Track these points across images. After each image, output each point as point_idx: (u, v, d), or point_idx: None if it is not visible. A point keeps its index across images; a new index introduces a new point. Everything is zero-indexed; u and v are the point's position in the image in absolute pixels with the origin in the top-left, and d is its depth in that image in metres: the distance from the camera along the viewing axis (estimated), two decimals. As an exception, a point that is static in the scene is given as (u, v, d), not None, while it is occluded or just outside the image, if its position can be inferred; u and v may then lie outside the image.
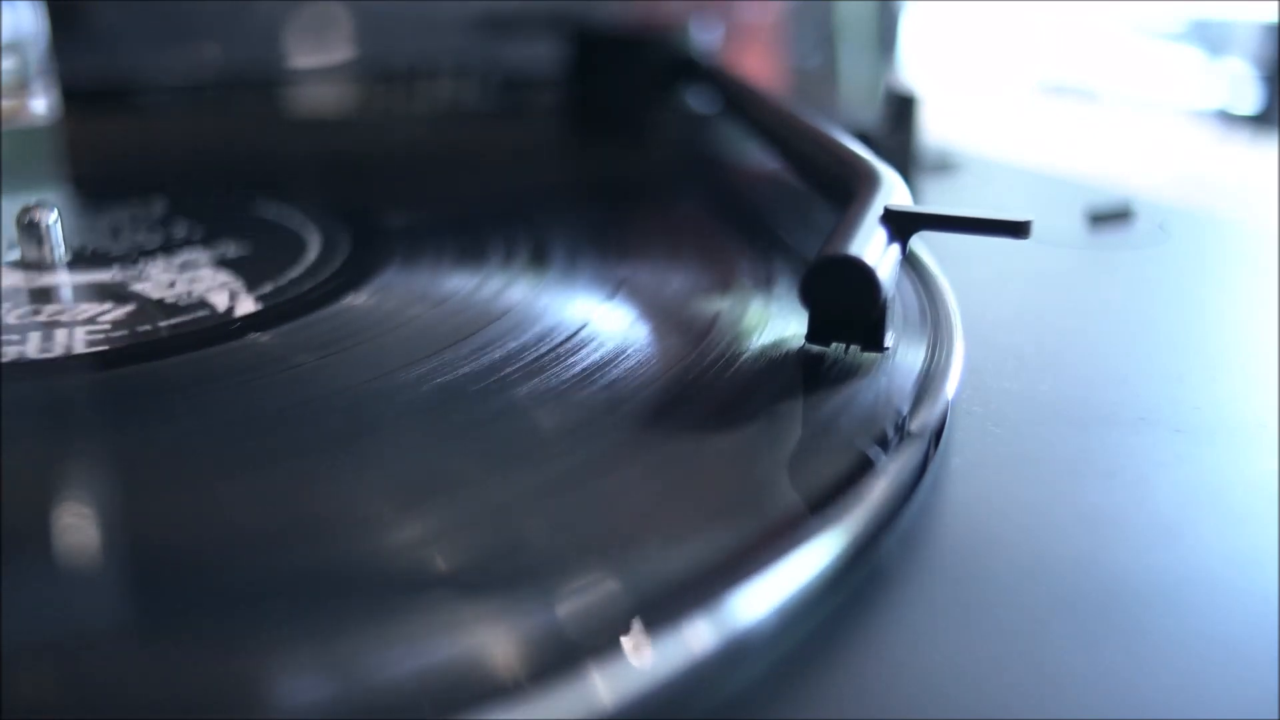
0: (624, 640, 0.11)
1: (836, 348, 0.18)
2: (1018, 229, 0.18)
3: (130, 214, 0.27)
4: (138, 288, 0.21)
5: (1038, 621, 0.12)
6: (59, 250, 0.23)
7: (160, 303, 0.21)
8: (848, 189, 0.21)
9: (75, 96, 0.35)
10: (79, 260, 0.23)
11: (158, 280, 0.22)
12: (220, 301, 0.21)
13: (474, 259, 0.23)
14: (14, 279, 0.22)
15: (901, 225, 0.19)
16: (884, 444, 0.15)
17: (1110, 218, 0.29)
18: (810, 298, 0.17)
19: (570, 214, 0.30)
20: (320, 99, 0.48)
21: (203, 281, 0.22)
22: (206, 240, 0.25)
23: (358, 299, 0.21)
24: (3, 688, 0.10)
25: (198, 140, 0.40)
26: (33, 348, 0.18)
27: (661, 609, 0.11)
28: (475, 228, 0.26)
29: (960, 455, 0.16)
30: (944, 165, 0.36)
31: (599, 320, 0.20)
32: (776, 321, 0.20)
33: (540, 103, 0.45)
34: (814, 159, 0.26)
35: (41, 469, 0.15)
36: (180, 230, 0.26)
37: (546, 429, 0.16)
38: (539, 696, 0.10)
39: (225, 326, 0.19)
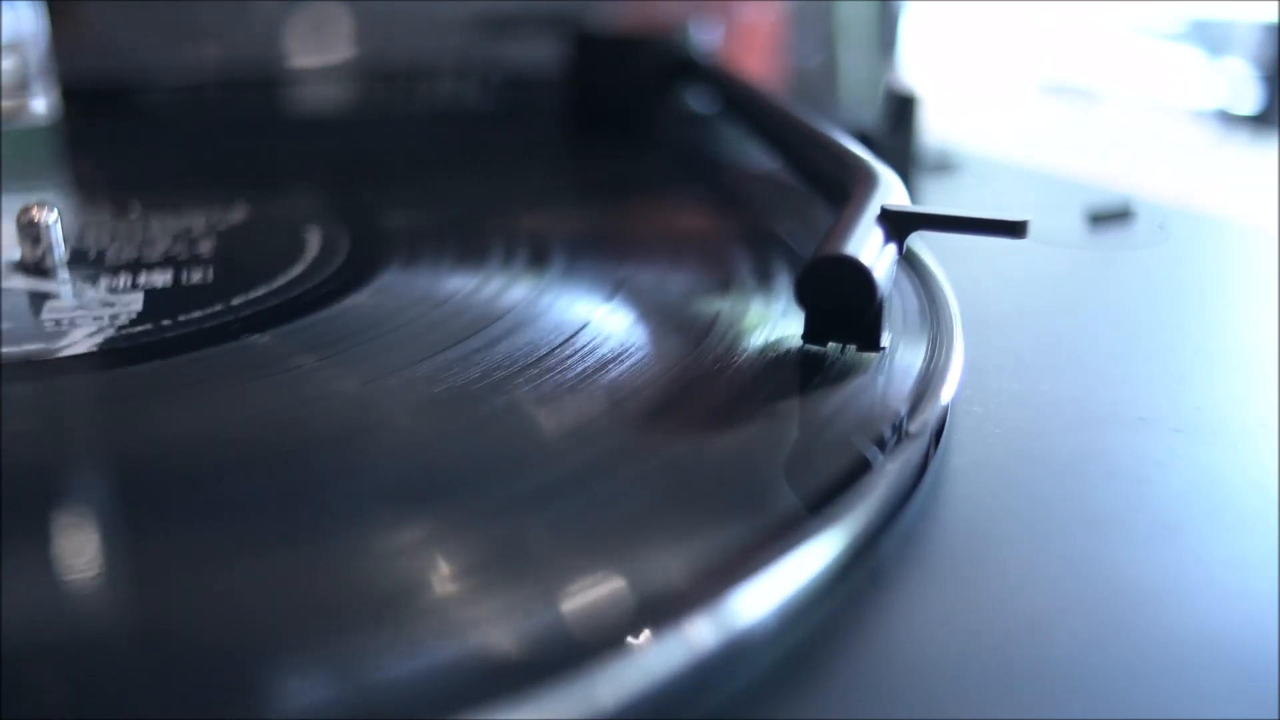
0: (625, 639, 0.11)
1: (833, 348, 0.18)
2: (1015, 229, 0.18)
3: (130, 216, 0.27)
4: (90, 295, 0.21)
5: (1038, 621, 0.12)
6: (59, 251, 0.23)
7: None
8: (845, 189, 0.21)
9: (75, 96, 0.35)
10: (78, 262, 0.23)
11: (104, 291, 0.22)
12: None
13: (474, 259, 0.23)
14: (11, 280, 0.22)
15: (898, 225, 0.19)
16: (883, 444, 0.15)
17: (1110, 218, 0.29)
18: (806, 298, 0.17)
19: (570, 214, 0.30)
20: (320, 99, 0.48)
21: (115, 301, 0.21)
22: (202, 242, 0.25)
23: (358, 299, 0.21)
24: (3, 686, 0.10)
25: (197, 141, 0.40)
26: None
27: (662, 609, 0.11)
28: (475, 228, 0.26)
29: (960, 455, 0.16)
30: (944, 165, 0.36)
31: (599, 320, 0.20)
32: (776, 321, 0.20)
33: (540, 103, 0.45)
34: (813, 159, 0.26)
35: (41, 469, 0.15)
36: (178, 232, 0.26)
37: (547, 429, 0.16)
38: (539, 696, 0.10)
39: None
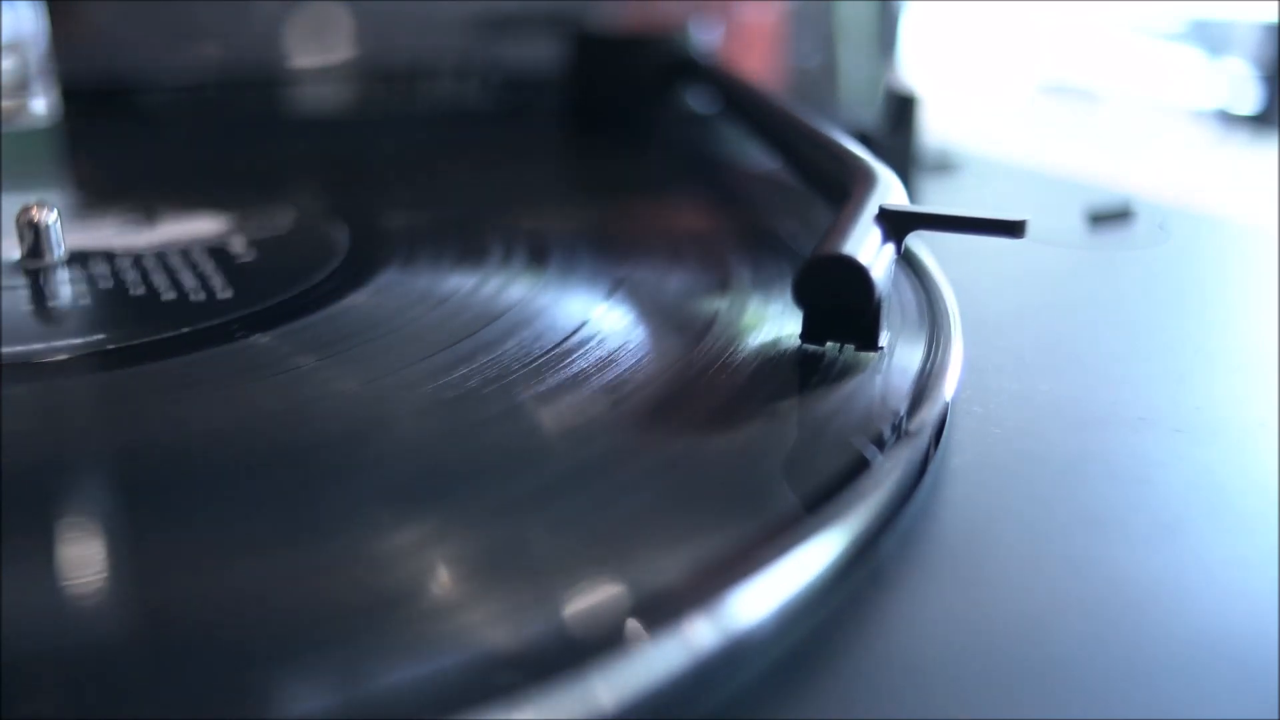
0: (624, 639, 0.11)
1: (832, 347, 0.18)
2: (1013, 228, 0.18)
3: (130, 216, 0.27)
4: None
5: (1038, 621, 0.12)
6: (58, 251, 0.23)
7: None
8: (845, 189, 0.21)
9: (75, 96, 0.35)
10: (78, 262, 0.23)
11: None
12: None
13: (474, 259, 0.23)
14: (11, 279, 0.22)
15: (896, 225, 0.19)
16: (882, 444, 0.15)
17: (1110, 218, 0.29)
18: (804, 297, 0.17)
19: (569, 213, 0.30)
20: (320, 99, 0.48)
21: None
22: (202, 241, 0.25)
23: (358, 299, 0.21)
24: (3, 687, 0.10)
25: (197, 141, 0.40)
26: None
27: (661, 609, 0.11)
28: (475, 227, 0.26)
29: (960, 455, 0.16)
30: (944, 165, 0.36)
31: (598, 320, 0.20)
32: (774, 321, 0.19)
33: (540, 103, 0.45)
34: (812, 159, 0.26)
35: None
36: (178, 231, 0.26)
37: (545, 429, 0.16)
38: (539, 696, 0.10)
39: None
